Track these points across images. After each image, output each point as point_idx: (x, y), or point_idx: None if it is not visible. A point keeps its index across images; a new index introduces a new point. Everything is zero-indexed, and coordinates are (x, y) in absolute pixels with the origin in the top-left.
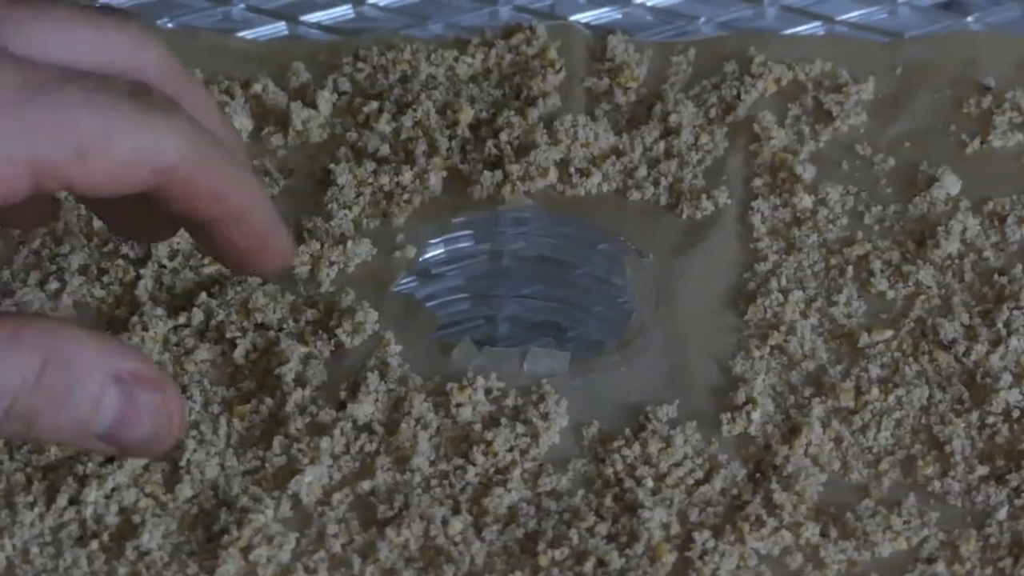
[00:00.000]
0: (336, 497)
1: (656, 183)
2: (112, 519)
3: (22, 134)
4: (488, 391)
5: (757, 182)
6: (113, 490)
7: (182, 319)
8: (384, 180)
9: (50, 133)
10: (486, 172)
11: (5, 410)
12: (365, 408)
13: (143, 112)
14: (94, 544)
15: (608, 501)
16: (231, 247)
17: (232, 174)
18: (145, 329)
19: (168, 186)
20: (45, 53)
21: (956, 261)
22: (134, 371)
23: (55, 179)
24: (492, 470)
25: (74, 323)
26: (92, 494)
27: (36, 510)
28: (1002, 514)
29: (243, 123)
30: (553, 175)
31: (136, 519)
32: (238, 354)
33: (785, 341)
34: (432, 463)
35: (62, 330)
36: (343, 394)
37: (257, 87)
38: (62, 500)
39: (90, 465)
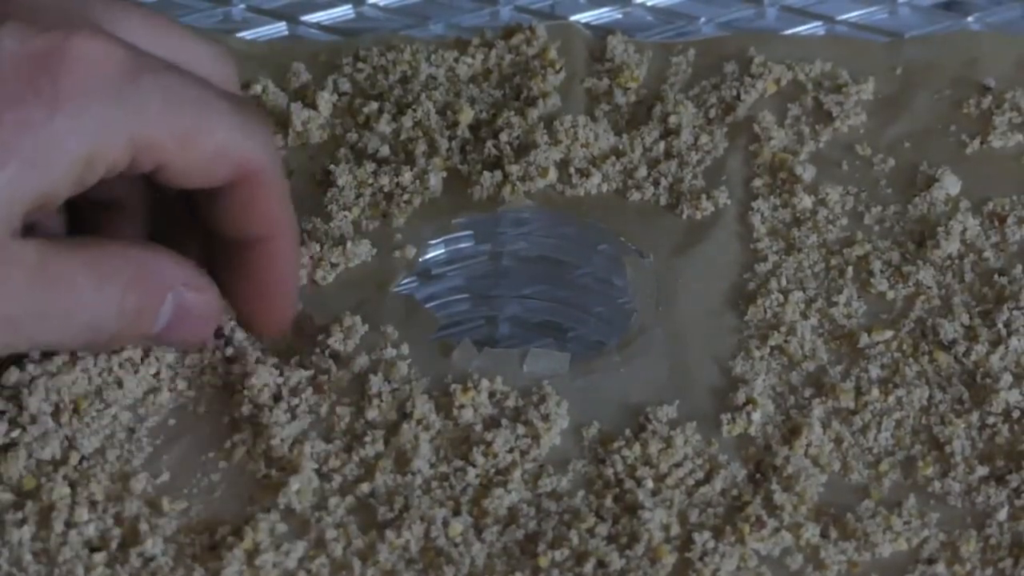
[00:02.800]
0: (333, 501)
1: (656, 183)
2: (115, 531)
3: (129, 110)
4: (492, 394)
5: (757, 182)
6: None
7: None
8: (384, 181)
9: (155, 113)
10: (486, 172)
11: (92, 337)
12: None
13: (239, 113)
14: (98, 556)
15: (608, 502)
16: (252, 281)
17: (287, 199)
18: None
19: (240, 188)
20: (140, 45)
21: (956, 261)
22: (187, 282)
23: (151, 159)
24: (492, 471)
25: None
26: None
27: (27, 528)
28: (1002, 515)
29: None
30: (553, 175)
31: (141, 527)
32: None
33: (785, 342)
34: (432, 465)
35: (130, 253)
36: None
37: (257, 87)
38: (59, 525)
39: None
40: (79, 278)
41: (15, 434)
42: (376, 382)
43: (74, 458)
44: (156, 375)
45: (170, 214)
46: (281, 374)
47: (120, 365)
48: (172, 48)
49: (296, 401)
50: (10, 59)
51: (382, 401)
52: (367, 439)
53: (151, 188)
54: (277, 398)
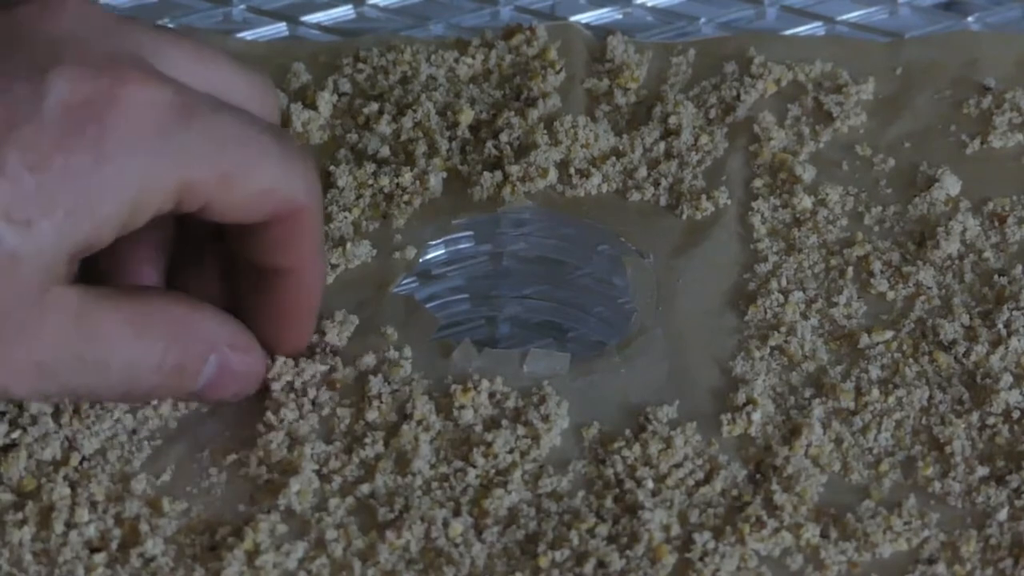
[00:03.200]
0: (334, 502)
1: (656, 184)
2: (115, 532)
3: (177, 156)
4: (492, 394)
5: (757, 183)
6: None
7: None
8: (384, 181)
9: (202, 156)
10: (486, 173)
11: (129, 389)
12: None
13: (283, 151)
14: (98, 557)
15: (608, 502)
16: (276, 305)
17: (321, 234)
18: None
19: (278, 225)
20: (183, 78)
21: (956, 262)
22: (231, 342)
23: (196, 200)
24: (492, 472)
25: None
26: (86, 514)
27: (27, 528)
28: (1002, 515)
29: None
30: (553, 176)
31: (142, 528)
32: None
33: (785, 342)
34: (432, 466)
35: (174, 311)
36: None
37: None
38: (59, 526)
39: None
40: (119, 329)
41: (16, 435)
42: (376, 383)
43: (75, 459)
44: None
45: (193, 233)
46: (296, 364)
47: None
48: (218, 81)
49: (312, 395)
50: (60, 106)
51: (382, 402)
52: (367, 440)
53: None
54: (291, 392)
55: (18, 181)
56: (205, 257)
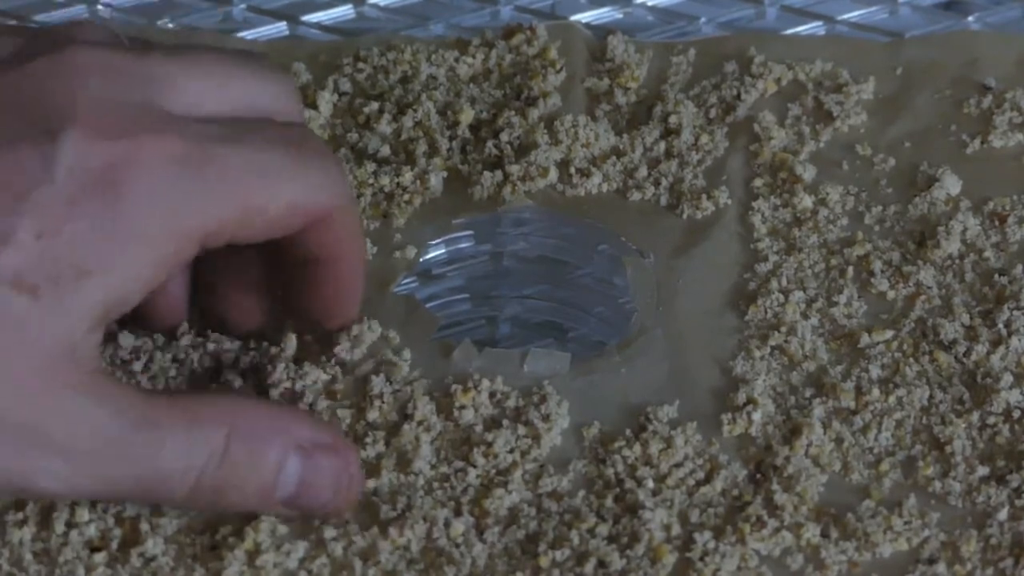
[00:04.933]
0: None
1: (656, 183)
2: (116, 531)
3: (195, 205)
4: (492, 394)
5: (757, 182)
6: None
7: None
8: (384, 181)
9: (220, 200)
10: (486, 172)
11: (194, 485)
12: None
13: (301, 164)
14: (99, 557)
15: (609, 502)
16: (320, 290)
17: (358, 223)
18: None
19: (312, 230)
20: (201, 108)
21: (956, 261)
22: (313, 439)
23: (220, 238)
24: (493, 472)
25: (251, 394)
26: (86, 514)
27: (28, 528)
28: (1003, 515)
29: None
30: (553, 175)
31: (142, 527)
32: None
33: (786, 342)
34: (433, 466)
35: (241, 403)
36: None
37: None
38: (59, 526)
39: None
40: (170, 414)
41: None
42: (378, 383)
43: None
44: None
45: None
46: (299, 368)
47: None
48: (239, 98)
49: (310, 399)
50: (72, 173)
51: (384, 402)
52: (368, 440)
53: None
54: (291, 398)
55: (28, 248)
56: (251, 268)
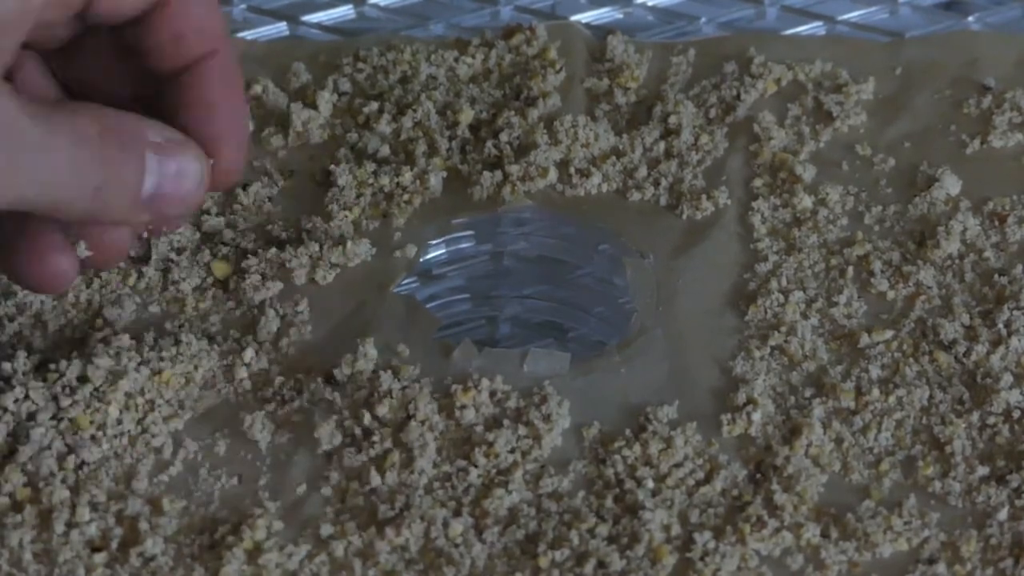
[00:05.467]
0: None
1: (656, 183)
2: (116, 531)
3: None
4: (492, 393)
5: (757, 182)
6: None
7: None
8: (384, 181)
9: None
10: (486, 172)
11: (73, 194)
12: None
13: None
14: (99, 557)
15: (609, 502)
16: (202, 100)
17: (218, 10)
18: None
19: (168, 6)
20: None
21: (956, 261)
22: (167, 137)
23: None
24: (494, 471)
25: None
26: (87, 514)
27: (28, 529)
28: (1003, 515)
29: None
30: (553, 175)
31: (142, 526)
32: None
33: (785, 342)
34: (434, 465)
35: (102, 108)
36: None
37: (257, 88)
38: (59, 526)
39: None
40: (54, 127)
41: (16, 436)
42: (386, 379)
43: (75, 460)
44: (156, 377)
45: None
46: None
47: (126, 361)
48: None
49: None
50: None
51: (392, 398)
52: (375, 438)
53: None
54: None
55: None
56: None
